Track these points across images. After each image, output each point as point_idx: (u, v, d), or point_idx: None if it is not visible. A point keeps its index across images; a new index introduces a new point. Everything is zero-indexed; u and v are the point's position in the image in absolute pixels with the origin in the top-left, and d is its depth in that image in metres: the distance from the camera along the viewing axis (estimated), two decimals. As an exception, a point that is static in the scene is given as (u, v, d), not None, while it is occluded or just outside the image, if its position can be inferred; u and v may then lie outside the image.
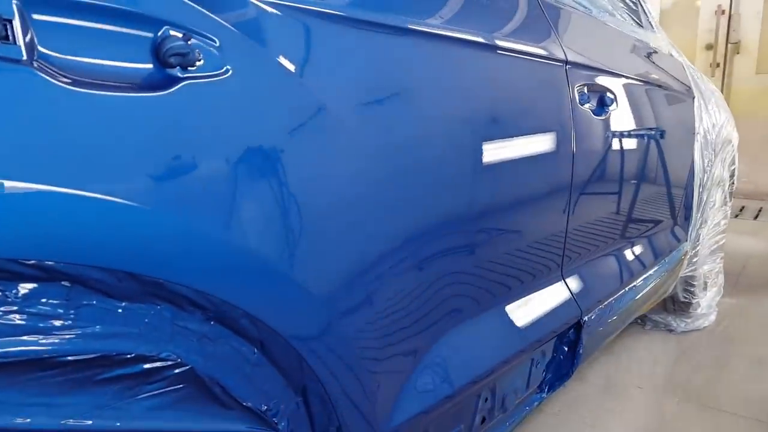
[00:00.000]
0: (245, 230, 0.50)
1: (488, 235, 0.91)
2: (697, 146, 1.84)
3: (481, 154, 0.87)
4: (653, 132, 1.47)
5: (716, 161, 2.08)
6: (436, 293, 0.80)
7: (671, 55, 1.78)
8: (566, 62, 1.06)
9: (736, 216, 4.13)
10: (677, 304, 2.06)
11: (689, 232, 1.87)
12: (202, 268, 0.47)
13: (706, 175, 1.93)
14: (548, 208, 1.04)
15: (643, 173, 1.41)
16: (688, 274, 1.98)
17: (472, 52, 0.85)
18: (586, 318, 1.14)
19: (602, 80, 1.20)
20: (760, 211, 4.29)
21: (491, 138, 0.88)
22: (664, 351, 1.96)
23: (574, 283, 1.13)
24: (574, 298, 1.12)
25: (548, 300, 1.07)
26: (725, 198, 2.33)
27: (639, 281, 1.42)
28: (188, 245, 0.46)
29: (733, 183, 2.42)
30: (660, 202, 1.58)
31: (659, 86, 1.55)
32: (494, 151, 0.89)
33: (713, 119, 1.98)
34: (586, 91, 1.12)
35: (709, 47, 4.79)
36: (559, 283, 1.10)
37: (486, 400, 0.93)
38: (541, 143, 0.99)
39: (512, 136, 0.92)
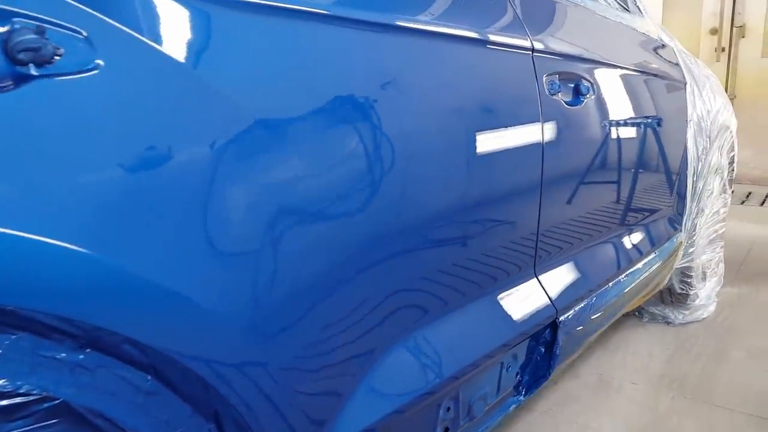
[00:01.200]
0: (115, 242, 0.43)
1: (448, 234, 0.83)
2: (690, 134, 1.73)
3: (437, 149, 0.79)
4: (639, 121, 1.37)
5: (712, 148, 1.97)
6: (383, 299, 0.73)
7: (661, 40, 1.67)
8: (533, 50, 0.97)
9: (743, 202, 3.99)
10: (674, 295, 1.97)
11: (683, 222, 1.77)
12: (59, 290, 0.41)
13: (700, 163, 1.82)
14: (516, 204, 0.96)
15: (627, 163, 1.32)
16: (684, 265, 1.88)
17: (421, 41, 0.77)
18: (562, 318, 1.06)
19: (577, 68, 1.11)
20: (766, 196, 4.14)
21: (447, 133, 0.80)
22: (660, 344, 1.87)
23: (548, 281, 1.05)
24: (549, 296, 1.04)
25: (519, 300, 0.99)
26: (724, 186, 2.21)
27: (625, 276, 1.33)
28: (40, 264, 0.39)
29: (733, 170, 2.30)
30: (648, 193, 1.48)
31: (646, 73, 1.46)
32: (452, 147, 0.81)
33: (708, 105, 1.87)
34: (557, 80, 1.04)
35: (714, 31, 4.61)
36: (532, 281, 1.03)
37: (448, 409, 0.86)
38: (504, 136, 0.91)
39: (472, 130, 0.84)
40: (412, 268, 0.79)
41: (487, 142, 0.87)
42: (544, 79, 1.00)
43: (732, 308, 2.13)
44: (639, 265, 1.41)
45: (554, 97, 1.03)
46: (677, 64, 1.69)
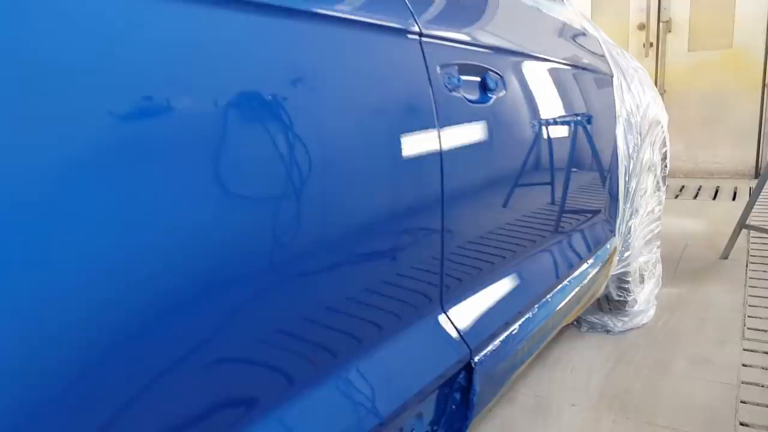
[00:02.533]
0: None
1: (317, 269, 0.64)
2: (619, 130, 1.61)
3: (295, 163, 0.59)
4: (563, 118, 1.22)
5: (644, 145, 1.86)
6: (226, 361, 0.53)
7: (584, 29, 1.54)
8: (420, 35, 0.79)
9: (676, 196, 4.00)
10: (612, 303, 1.85)
11: (617, 226, 1.65)
12: None
13: (632, 161, 1.71)
14: (410, 226, 0.77)
15: (549, 167, 1.16)
16: (620, 270, 1.76)
17: (271, 20, 0.58)
18: (478, 357, 0.88)
19: (483, 59, 0.94)
20: (699, 189, 4.17)
21: (306, 144, 0.61)
22: (600, 357, 1.74)
23: (459, 314, 0.87)
24: (460, 334, 0.86)
25: (422, 343, 0.80)
26: (658, 183, 2.12)
27: (554, 294, 1.18)
28: None
29: (666, 166, 2.22)
30: (576, 198, 1.33)
31: (569, 65, 1.31)
32: (315, 160, 0.62)
33: (637, 99, 1.76)
34: (456, 72, 0.86)
35: (642, 27, 4.64)
36: (439, 317, 0.84)
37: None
38: (384, 143, 0.72)
39: (334, 138, 0.65)
40: (273, 317, 0.59)
41: (361, 152, 0.68)
42: (438, 71, 0.82)
43: (671, 311, 2.04)
44: (569, 280, 1.26)
45: (453, 93, 0.85)
46: (603, 56, 1.57)
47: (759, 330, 1.85)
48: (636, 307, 1.90)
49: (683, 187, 4.28)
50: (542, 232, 1.18)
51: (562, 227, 1.29)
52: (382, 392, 0.72)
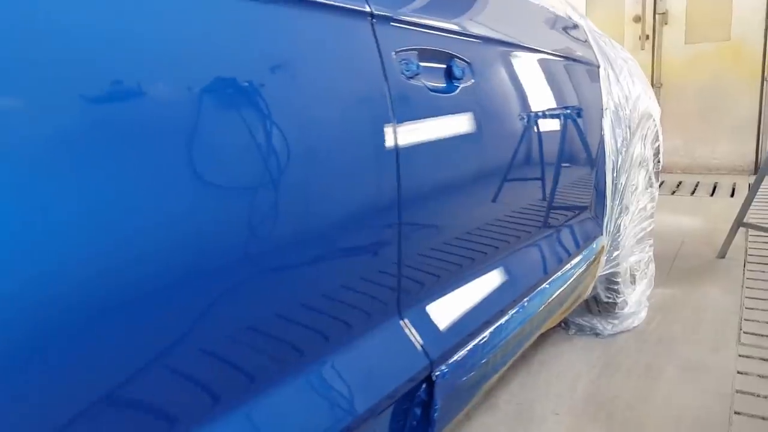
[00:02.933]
0: None
1: (262, 273, 0.56)
2: (606, 124, 1.53)
3: (224, 162, 0.52)
4: (541, 110, 1.14)
5: (634, 139, 1.78)
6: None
7: (569, 17, 1.46)
8: (372, 16, 0.71)
9: (673, 192, 3.92)
10: (601, 305, 1.77)
11: (605, 225, 1.57)
12: None
13: (620, 156, 1.62)
14: (362, 226, 0.69)
15: (525, 162, 1.08)
16: (609, 271, 1.68)
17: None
18: (438, 371, 0.80)
19: (448, 44, 0.86)
20: (697, 185, 4.09)
21: (239, 132, 0.53)
22: (587, 362, 1.66)
23: (418, 322, 0.79)
24: (420, 344, 0.78)
25: (374, 355, 0.72)
26: (650, 179, 2.04)
27: (531, 299, 1.09)
28: None
29: (659, 161, 2.13)
30: (557, 195, 1.25)
31: (548, 53, 1.23)
32: (247, 160, 0.54)
33: (626, 91, 1.68)
34: (415, 58, 0.78)
35: (637, 19, 4.55)
36: (395, 325, 0.76)
37: None
38: (330, 137, 0.64)
39: (271, 133, 0.57)
40: (212, 324, 0.52)
41: (302, 149, 0.60)
42: (393, 56, 0.74)
43: (664, 313, 1.96)
44: (549, 283, 1.18)
45: (412, 81, 0.77)
46: (588, 45, 1.48)
47: (755, 335, 1.77)
48: (626, 309, 1.82)
49: (680, 183, 4.20)
50: (517, 232, 1.09)
51: (542, 226, 1.21)
52: (329, 408, 0.65)
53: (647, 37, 4.56)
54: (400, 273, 0.76)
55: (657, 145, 2.07)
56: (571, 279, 1.30)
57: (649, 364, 1.63)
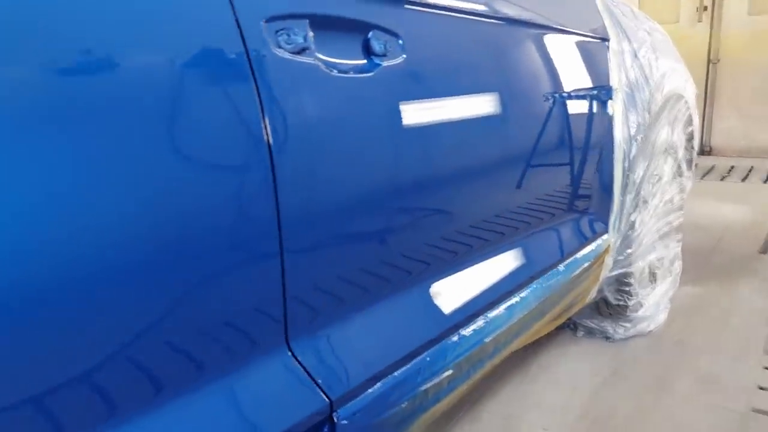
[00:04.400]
0: None
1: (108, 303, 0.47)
2: (616, 107, 1.34)
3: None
4: (513, 94, 0.98)
5: (659, 123, 1.57)
6: None
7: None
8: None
9: (723, 178, 3.58)
10: (611, 307, 1.60)
11: (611, 222, 1.39)
12: None
13: (635, 143, 1.43)
14: (233, 239, 0.58)
15: (482, 156, 0.92)
16: (619, 272, 1.50)
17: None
18: (341, 410, 0.67)
19: (361, 9, 0.71)
20: (750, 171, 3.72)
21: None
22: (591, 370, 1.50)
23: (313, 353, 0.67)
24: (313, 379, 0.66)
25: (256, 395, 0.61)
26: (680, 168, 1.82)
27: (487, 320, 0.93)
28: None
29: (692, 147, 1.90)
30: (532, 194, 1.08)
31: (525, 23, 1.04)
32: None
33: (646, 68, 1.47)
34: (301, 28, 0.63)
35: (694, -12, 4.15)
36: (283, 358, 0.64)
37: None
38: (174, 137, 0.52)
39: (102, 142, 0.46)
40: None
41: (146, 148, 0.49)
42: (263, 26, 0.59)
43: (688, 316, 1.76)
44: (519, 297, 1.02)
45: (297, 57, 0.62)
46: (594, 14, 1.29)
47: (787, 344, 1.55)
48: (641, 312, 1.63)
49: (732, 167, 3.84)
50: (473, 238, 0.94)
51: (513, 229, 1.05)
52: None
53: (705, 8, 4.16)
54: (285, 298, 0.63)
55: (690, 129, 1.84)
56: (559, 286, 1.15)
57: (659, 375, 1.46)
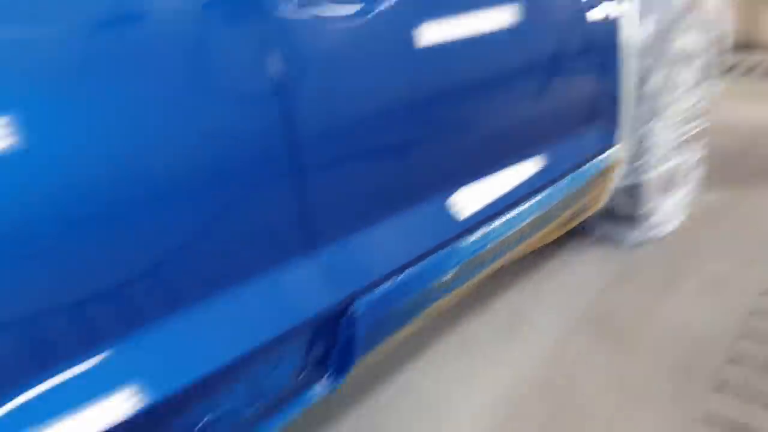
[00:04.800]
0: None
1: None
2: (626, 11, 1.32)
3: None
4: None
5: (678, 28, 1.54)
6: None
7: None
8: None
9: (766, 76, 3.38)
10: (622, 215, 1.65)
11: (620, 134, 1.42)
12: None
13: (652, 53, 1.41)
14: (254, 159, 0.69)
15: (479, 67, 0.96)
16: (631, 182, 1.54)
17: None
18: (357, 302, 0.81)
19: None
20: (803, 68, 3.50)
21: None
22: (599, 272, 1.59)
23: (336, 253, 0.79)
24: (335, 274, 0.79)
25: (288, 283, 0.75)
26: (705, 73, 1.78)
27: (489, 226, 1.03)
28: None
29: (721, 51, 1.84)
30: (532, 111, 1.13)
31: None
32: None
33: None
34: None
35: None
36: (310, 256, 0.77)
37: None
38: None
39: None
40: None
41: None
42: None
43: (704, 221, 1.79)
44: (520, 209, 1.10)
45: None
46: None
47: (798, 248, 1.58)
48: (654, 219, 1.68)
49: (785, 65, 3.61)
50: (476, 150, 1.02)
51: (512, 144, 1.11)
52: (235, 333, 0.70)
53: None
54: (312, 200, 0.75)
55: (722, 29, 1.78)
56: (564, 197, 1.22)
57: (666, 277, 1.53)
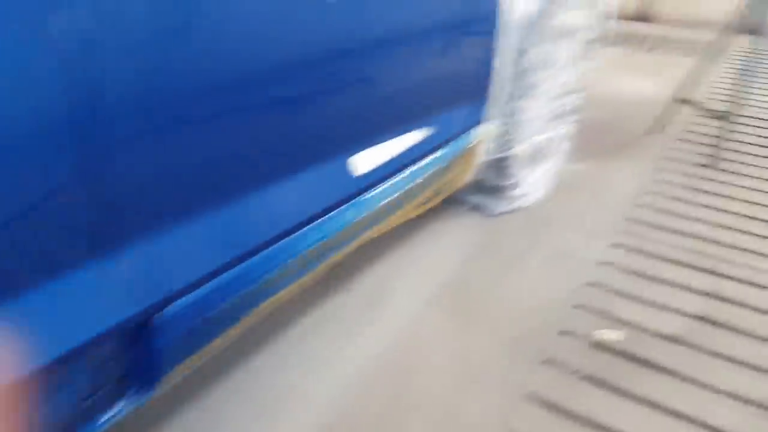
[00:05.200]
0: None
1: None
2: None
3: None
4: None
5: (555, 6, 1.54)
6: None
7: None
8: None
9: (650, 50, 3.56)
10: (490, 187, 1.70)
11: (487, 111, 1.42)
12: None
13: (532, 30, 1.41)
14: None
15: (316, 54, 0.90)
16: (499, 156, 1.58)
17: None
18: (159, 315, 0.74)
19: None
20: (680, 43, 3.71)
21: None
22: (462, 243, 1.64)
23: (130, 259, 0.70)
24: (131, 285, 0.71)
25: (69, 301, 0.66)
26: (586, 48, 1.82)
27: (326, 219, 0.99)
28: None
29: (600, 28, 1.88)
30: (394, 84, 1.08)
31: None
32: None
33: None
34: None
35: None
36: (98, 264, 0.69)
37: None
38: None
39: None
40: None
41: None
42: None
43: (565, 193, 1.89)
44: (373, 193, 1.07)
45: None
46: None
47: (637, 222, 1.74)
48: (520, 190, 1.75)
49: (664, 38, 3.81)
50: (316, 133, 0.95)
51: (362, 126, 1.06)
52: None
53: None
54: (97, 201, 0.65)
55: (600, 10, 1.81)
56: (425, 176, 1.21)
57: (520, 249, 1.62)
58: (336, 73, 0.92)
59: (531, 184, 1.79)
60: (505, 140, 1.55)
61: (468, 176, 1.53)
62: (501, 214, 1.76)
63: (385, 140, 1.12)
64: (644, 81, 2.97)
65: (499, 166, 1.62)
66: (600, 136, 2.31)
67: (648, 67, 3.20)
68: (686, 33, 3.87)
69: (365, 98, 1.02)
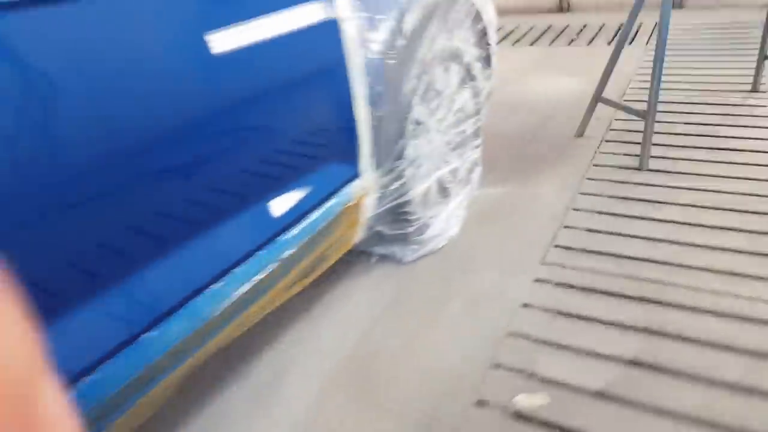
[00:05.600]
0: None
1: None
2: (347, 36, 1.14)
3: None
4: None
5: (424, 35, 1.39)
6: None
7: None
8: None
9: (570, 43, 3.47)
10: (390, 237, 1.53)
11: (362, 164, 1.27)
12: None
13: (383, 68, 1.26)
14: None
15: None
16: (390, 205, 1.42)
17: None
18: None
19: None
20: (599, 30, 3.62)
21: None
22: (371, 301, 1.48)
23: None
24: None
25: None
26: (472, 71, 1.68)
27: (178, 315, 0.84)
28: None
29: (489, 43, 1.75)
30: (241, 158, 0.92)
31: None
32: None
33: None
34: None
35: None
36: None
37: None
38: None
39: None
40: None
41: None
42: None
43: (481, 224, 1.74)
44: (231, 281, 0.92)
45: None
46: None
47: (564, 248, 1.58)
48: (431, 231, 1.60)
49: (583, 28, 3.73)
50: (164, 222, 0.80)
51: (209, 211, 0.91)
52: None
53: None
54: None
55: (481, 26, 1.67)
56: (297, 247, 1.05)
57: (435, 298, 1.46)
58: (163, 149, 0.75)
59: (443, 222, 1.64)
60: (397, 186, 1.39)
61: (357, 234, 1.37)
62: (414, 260, 1.60)
63: (240, 215, 0.96)
64: (567, 78, 2.86)
65: (397, 213, 1.46)
66: (521, 148, 2.17)
67: (570, 61, 3.09)
68: (605, 18, 3.80)
69: (210, 175, 0.86)
